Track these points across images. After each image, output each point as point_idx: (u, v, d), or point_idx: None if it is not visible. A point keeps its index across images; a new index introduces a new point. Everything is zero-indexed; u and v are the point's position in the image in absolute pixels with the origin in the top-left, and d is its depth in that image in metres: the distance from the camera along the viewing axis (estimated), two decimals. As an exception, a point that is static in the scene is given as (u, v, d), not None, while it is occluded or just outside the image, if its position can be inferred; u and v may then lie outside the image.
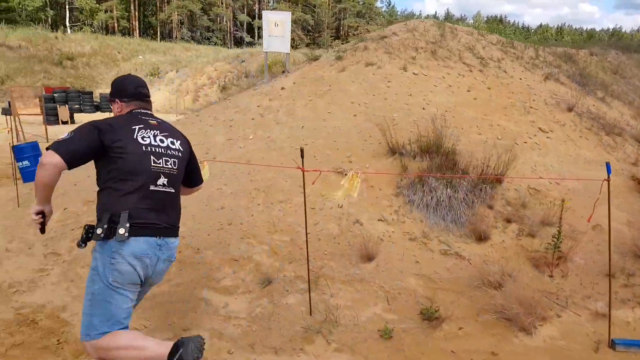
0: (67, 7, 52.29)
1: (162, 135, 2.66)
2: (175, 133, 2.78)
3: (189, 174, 2.90)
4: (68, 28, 50.07)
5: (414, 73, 7.29)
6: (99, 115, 25.23)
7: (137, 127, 2.58)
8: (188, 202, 5.65)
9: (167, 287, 4.31)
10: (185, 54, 38.33)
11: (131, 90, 2.74)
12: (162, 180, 2.58)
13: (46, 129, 16.45)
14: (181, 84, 30.52)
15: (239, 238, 4.84)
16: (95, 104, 27.12)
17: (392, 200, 5.07)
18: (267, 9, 77.80)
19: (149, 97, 2.82)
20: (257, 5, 74.94)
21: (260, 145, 6.35)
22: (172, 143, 2.70)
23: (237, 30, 70.14)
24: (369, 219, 4.88)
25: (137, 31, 57.23)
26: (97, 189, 2.65)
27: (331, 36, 77.17)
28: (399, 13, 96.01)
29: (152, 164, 2.54)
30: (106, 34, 43.74)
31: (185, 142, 2.83)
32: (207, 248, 4.76)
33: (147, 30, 60.32)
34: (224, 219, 5.15)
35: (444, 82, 7.17)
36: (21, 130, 15.19)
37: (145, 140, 2.56)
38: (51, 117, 20.53)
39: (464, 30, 9.19)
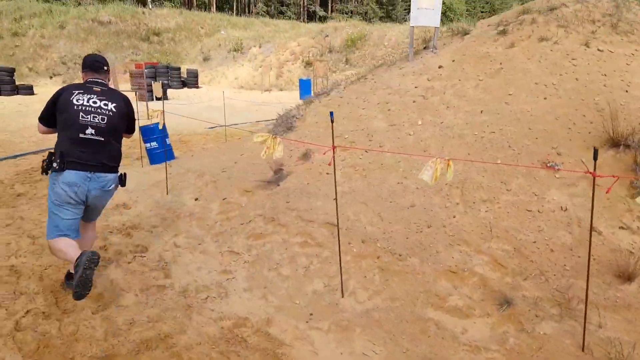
0: (147, -18, 53.20)
1: (96, 99, 3.60)
2: (112, 98, 3.71)
3: (126, 126, 3.88)
4: (149, 3, 50.95)
5: (599, 49, 6.24)
6: (185, 92, 25.33)
7: (76, 91, 3.59)
8: (367, 198, 5.04)
9: (379, 301, 3.71)
10: (264, 29, 37.94)
11: (88, 63, 3.76)
12: (90, 130, 3.52)
13: (147, 106, 16.48)
14: (264, 59, 30.18)
15: (447, 244, 4.16)
16: (182, 79, 27.28)
17: (629, 204, 4.19)
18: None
19: (102, 68, 3.77)
20: (330, -22, 73.45)
21: (434, 132, 5.61)
22: (105, 105, 3.62)
23: (311, 4, 69.19)
24: (607, 227, 4.05)
25: (214, 6, 57.50)
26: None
27: (405, 9, 74.96)
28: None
29: (80, 119, 3.49)
30: (185, 9, 44.11)
31: (121, 105, 3.73)
32: (410, 254, 4.12)
33: (223, 5, 60.46)
34: (420, 220, 4.48)
35: (635, 60, 6.09)
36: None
37: (78, 102, 3.53)
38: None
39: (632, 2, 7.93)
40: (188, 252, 4.67)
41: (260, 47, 31.45)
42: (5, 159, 9.34)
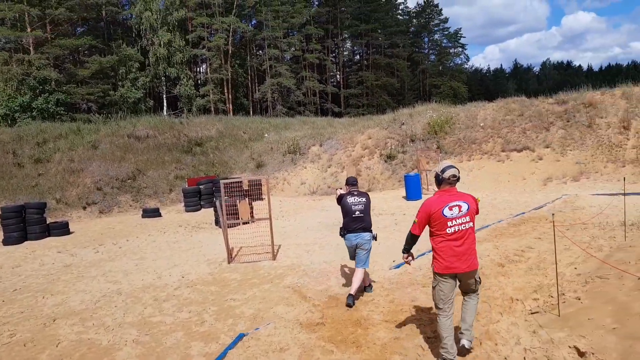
0: (164, 95, 50.37)
1: (357, 197, 7.07)
2: (362, 195, 7.13)
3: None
4: (165, 116, 47.71)
5: None
6: (256, 205, 20.16)
7: (349, 196, 7.11)
8: None
9: None
10: (304, 128, 34.05)
11: (351, 181, 7.41)
12: (358, 214, 6.95)
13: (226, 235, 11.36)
14: (331, 158, 25.57)
15: None
16: (244, 192, 22.35)
17: None
18: (350, 80, 75.07)
19: (354, 183, 7.40)
20: (340, 76, 72.64)
21: None
22: (361, 200, 7.04)
23: (324, 102, 67.41)
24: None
25: (231, 112, 54.72)
26: None
27: (414, 98, 73.64)
28: (467, 67, 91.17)
29: (353, 208, 6.96)
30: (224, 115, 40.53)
31: (367, 197, 7.20)
32: None
33: (239, 111, 57.73)
34: None
35: None
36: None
37: (349, 201, 7.01)
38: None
39: None
40: None
41: (321, 145, 27.00)
42: None
